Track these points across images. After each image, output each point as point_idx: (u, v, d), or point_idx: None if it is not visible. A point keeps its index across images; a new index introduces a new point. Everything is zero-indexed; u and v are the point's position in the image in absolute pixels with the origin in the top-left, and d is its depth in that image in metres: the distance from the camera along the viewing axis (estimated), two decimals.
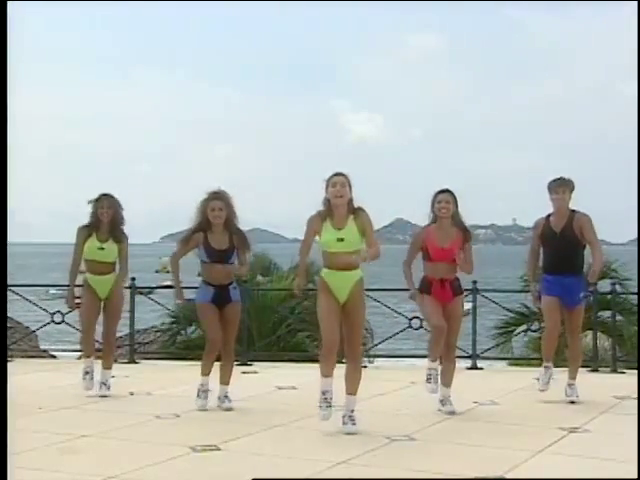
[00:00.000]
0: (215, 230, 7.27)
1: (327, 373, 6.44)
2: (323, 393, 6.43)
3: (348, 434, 6.32)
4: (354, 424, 6.41)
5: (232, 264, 7.36)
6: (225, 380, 7.42)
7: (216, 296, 7.31)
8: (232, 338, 7.46)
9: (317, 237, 6.53)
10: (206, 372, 7.38)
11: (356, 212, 6.43)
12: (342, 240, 6.35)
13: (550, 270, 7.66)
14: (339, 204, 6.38)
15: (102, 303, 8.09)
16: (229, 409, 7.30)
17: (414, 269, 7.37)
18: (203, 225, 7.27)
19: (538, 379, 7.83)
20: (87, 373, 8.09)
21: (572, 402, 7.57)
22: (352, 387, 6.50)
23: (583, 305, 7.77)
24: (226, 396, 7.39)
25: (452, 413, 7.10)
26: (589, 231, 7.55)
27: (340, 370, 6.54)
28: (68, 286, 8.20)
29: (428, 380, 7.16)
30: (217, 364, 7.48)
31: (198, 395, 7.33)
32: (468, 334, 10.15)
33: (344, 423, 6.42)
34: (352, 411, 6.47)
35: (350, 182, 6.43)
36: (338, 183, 6.38)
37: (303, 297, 13.26)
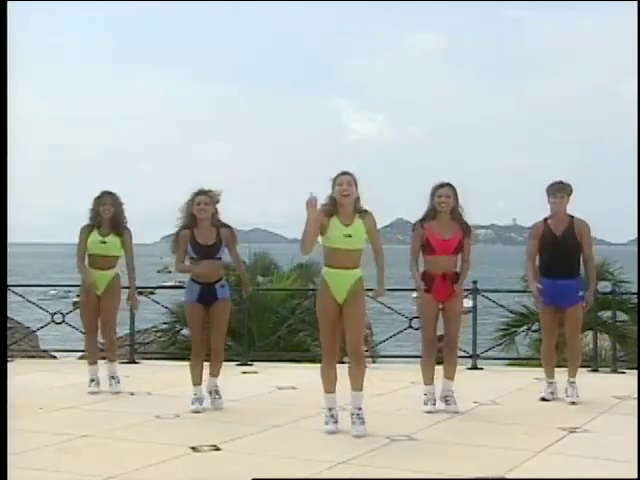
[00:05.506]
0: (201, 225, 7.30)
1: (330, 389, 6.48)
2: (329, 410, 6.46)
3: (357, 436, 6.21)
4: (363, 423, 6.33)
5: (219, 259, 7.38)
6: (214, 372, 7.41)
7: (202, 294, 7.30)
8: (220, 336, 7.39)
9: (319, 236, 6.48)
10: (197, 381, 7.36)
11: (362, 213, 6.47)
12: (350, 236, 6.36)
13: (547, 273, 7.62)
14: (345, 203, 6.40)
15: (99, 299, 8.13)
16: (219, 408, 7.31)
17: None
18: (189, 222, 7.31)
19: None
20: (92, 380, 8.12)
21: (573, 403, 7.53)
22: (357, 382, 6.41)
23: (581, 304, 7.60)
24: (217, 391, 7.39)
25: (455, 413, 7.07)
26: (588, 244, 7.58)
27: (342, 370, 6.51)
28: (78, 286, 8.39)
29: (425, 403, 7.12)
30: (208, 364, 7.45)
31: (192, 403, 7.29)
32: (468, 335, 10.14)
33: (353, 423, 6.35)
34: (359, 409, 6.39)
35: (356, 181, 6.46)
36: (345, 182, 6.41)
37: (303, 297, 13.32)
